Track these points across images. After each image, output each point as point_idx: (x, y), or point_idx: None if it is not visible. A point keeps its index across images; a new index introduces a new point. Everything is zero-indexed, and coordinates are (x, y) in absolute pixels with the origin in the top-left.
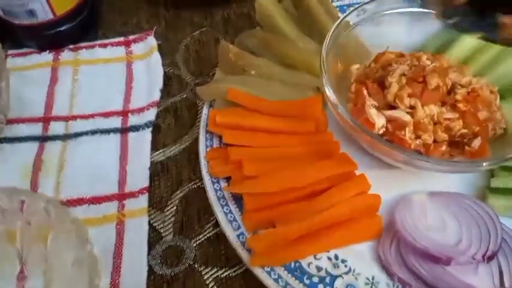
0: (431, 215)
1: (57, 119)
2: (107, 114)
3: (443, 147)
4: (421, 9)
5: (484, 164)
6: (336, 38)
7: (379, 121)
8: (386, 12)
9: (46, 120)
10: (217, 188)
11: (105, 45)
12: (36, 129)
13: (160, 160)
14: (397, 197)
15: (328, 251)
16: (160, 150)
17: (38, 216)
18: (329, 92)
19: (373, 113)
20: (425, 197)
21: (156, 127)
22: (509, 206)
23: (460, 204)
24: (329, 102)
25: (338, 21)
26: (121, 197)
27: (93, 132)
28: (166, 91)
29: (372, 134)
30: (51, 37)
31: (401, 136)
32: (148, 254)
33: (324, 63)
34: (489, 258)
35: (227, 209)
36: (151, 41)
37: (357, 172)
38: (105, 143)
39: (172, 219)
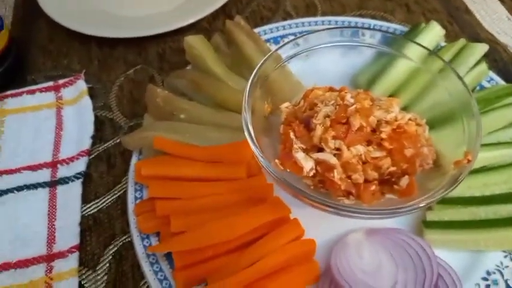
0: (367, 255)
1: None
2: (35, 167)
3: (373, 187)
4: (352, 43)
5: (410, 207)
6: (263, 75)
7: (307, 165)
8: (319, 46)
9: None
10: (147, 245)
11: (33, 92)
12: None
13: (92, 213)
14: (334, 237)
15: None
16: (92, 203)
17: None
18: (252, 144)
19: (300, 157)
20: (361, 236)
21: (87, 177)
22: (445, 240)
23: (397, 241)
24: (254, 154)
25: (264, 58)
26: (49, 258)
27: (19, 188)
28: (98, 137)
29: (297, 189)
30: None
31: (331, 178)
32: None
33: (246, 109)
34: None
35: (157, 267)
36: (82, 84)
37: (292, 215)
38: (32, 200)
39: (105, 277)
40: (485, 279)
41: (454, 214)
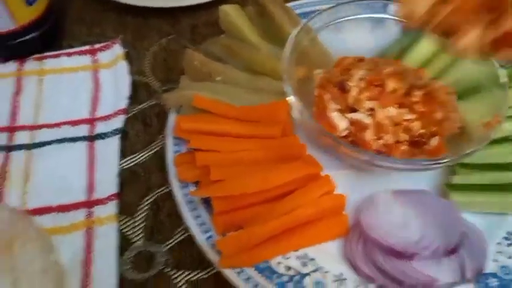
0: (395, 213)
1: (22, 128)
2: (73, 123)
3: (404, 147)
4: (381, 15)
5: (442, 161)
6: (297, 43)
7: (342, 124)
8: (348, 18)
9: (11, 130)
10: (186, 193)
11: (70, 54)
12: (1, 138)
13: (129, 167)
14: (362, 196)
15: (297, 250)
16: (129, 157)
17: (2, 226)
18: (292, 97)
19: (335, 116)
20: (389, 195)
21: (124, 134)
22: (469, 202)
23: (423, 201)
24: (293, 107)
25: (299, 27)
26: (89, 204)
27: (60, 141)
28: (134, 98)
29: (335, 137)
30: (14, 47)
31: (363, 138)
32: (119, 260)
33: (285, 68)
34: (451, 251)
35: (196, 213)
36: (118, 49)
37: (323, 174)
38: (72, 152)
39: (143, 225)
40: (506, 238)
41: (479, 178)
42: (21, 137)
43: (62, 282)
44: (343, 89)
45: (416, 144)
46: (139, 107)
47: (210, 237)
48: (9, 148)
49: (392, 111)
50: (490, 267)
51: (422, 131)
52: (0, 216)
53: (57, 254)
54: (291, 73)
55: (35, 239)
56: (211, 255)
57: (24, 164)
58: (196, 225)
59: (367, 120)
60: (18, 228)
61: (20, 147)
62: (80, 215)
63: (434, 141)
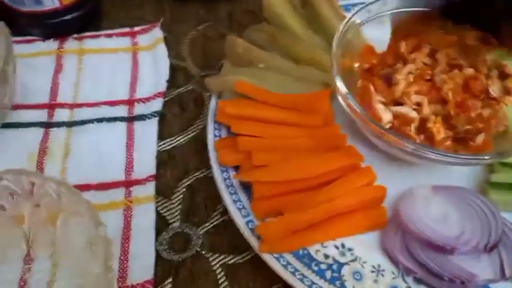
0: (434, 208)
1: (62, 106)
2: (112, 103)
3: (448, 142)
4: (423, 9)
5: (488, 157)
6: (343, 36)
7: (386, 116)
8: (391, 11)
9: (51, 106)
10: (226, 177)
11: (110, 35)
12: (42, 115)
13: (167, 149)
14: (401, 190)
15: (335, 240)
16: (167, 140)
17: (48, 199)
18: (340, 83)
19: (380, 108)
20: (428, 190)
21: (162, 117)
22: (508, 201)
23: (462, 197)
24: (339, 94)
25: (347, 20)
26: (128, 183)
27: (99, 120)
28: (171, 82)
29: (381, 126)
30: (55, 26)
31: (407, 132)
32: (156, 240)
33: (334, 56)
34: (491, 248)
35: (236, 197)
36: (157, 32)
37: (363, 165)
38: (111, 131)
39: (179, 207)
40: None
41: None
42: (61, 115)
43: (109, 255)
44: (388, 82)
45: (461, 140)
46: (177, 91)
47: (249, 221)
48: (49, 125)
49: (439, 106)
50: None
51: (468, 127)
52: (48, 188)
53: (105, 228)
54: (338, 64)
55: (81, 213)
56: (252, 240)
57: (64, 141)
58: (236, 209)
59: (413, 114)
60: (64, 202)
61: (59, 124)
62: (118, 194)
63: (480, 138)
